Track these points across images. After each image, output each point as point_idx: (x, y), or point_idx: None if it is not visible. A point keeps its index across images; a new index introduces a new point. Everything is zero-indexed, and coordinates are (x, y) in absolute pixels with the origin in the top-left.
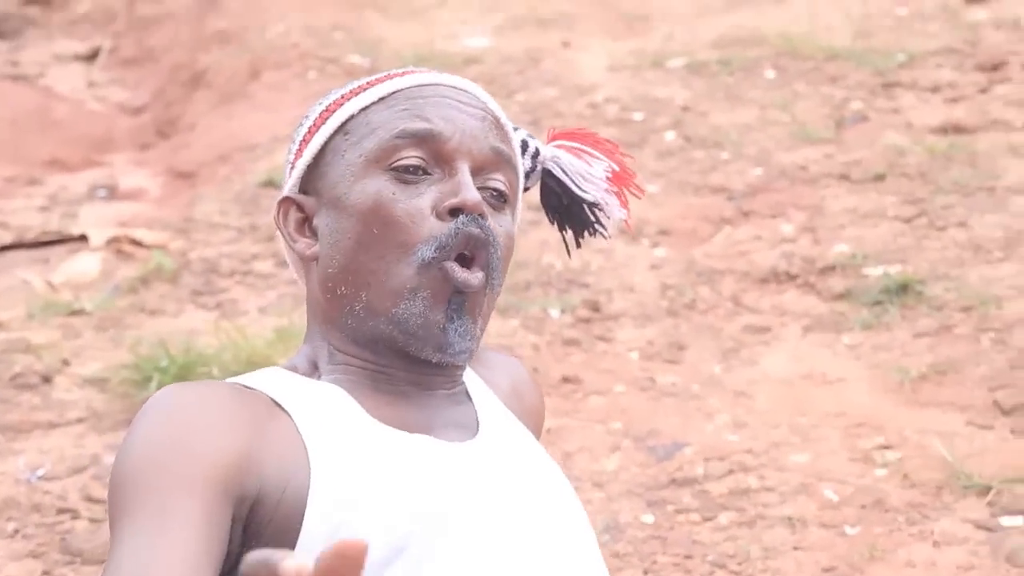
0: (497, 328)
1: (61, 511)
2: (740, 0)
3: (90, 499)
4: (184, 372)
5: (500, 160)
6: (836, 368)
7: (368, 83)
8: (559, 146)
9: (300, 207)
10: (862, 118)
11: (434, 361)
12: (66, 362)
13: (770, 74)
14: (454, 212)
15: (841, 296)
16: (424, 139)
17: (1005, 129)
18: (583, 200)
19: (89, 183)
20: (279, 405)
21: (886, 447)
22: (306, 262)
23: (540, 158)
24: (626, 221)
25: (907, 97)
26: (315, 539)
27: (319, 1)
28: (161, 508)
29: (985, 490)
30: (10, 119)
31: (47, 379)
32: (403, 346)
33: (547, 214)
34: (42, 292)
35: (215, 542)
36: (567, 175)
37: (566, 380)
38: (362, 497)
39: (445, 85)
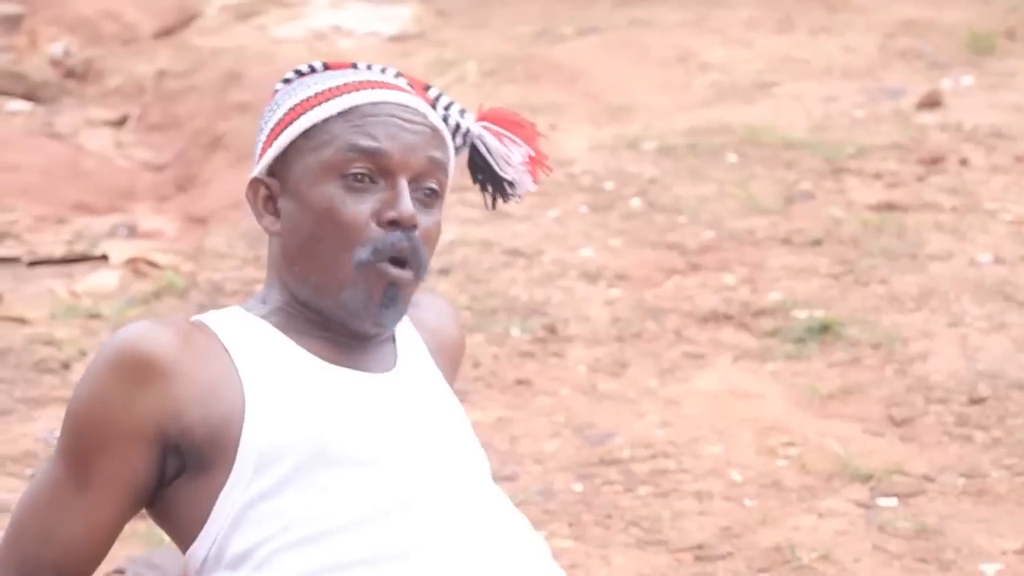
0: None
1: None
2: (715, 98)
3: None
4: None
5: (435, 167)
6: (757, 387)
7: (329, 92)
8: (485, 127)
9: (268, 187)
10: (809, 196)
11: (371, 333)
12: (83, 353)
13: (732, 158)
14: (392, 223)
15: (770, 334)
16: (372, 155)
17: (935, 210)
18: (502, 178)
19: (112, 223)
20: (223, 344)
21: (790, 444)
22: (270, 233)
23: (469, 136)
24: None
25: (852, 181)
26: (251, 450)
27: None
28: (87, 464)
29: (868, 478)
30: (43, 168)
31: (66, 366)
32: (345, 321)
33: (471, 176)
34: (65, 298)
35: (128, 493)
36: (491, 155)
37: (519, 382)
38: (289, 416)
39: (393, 103)
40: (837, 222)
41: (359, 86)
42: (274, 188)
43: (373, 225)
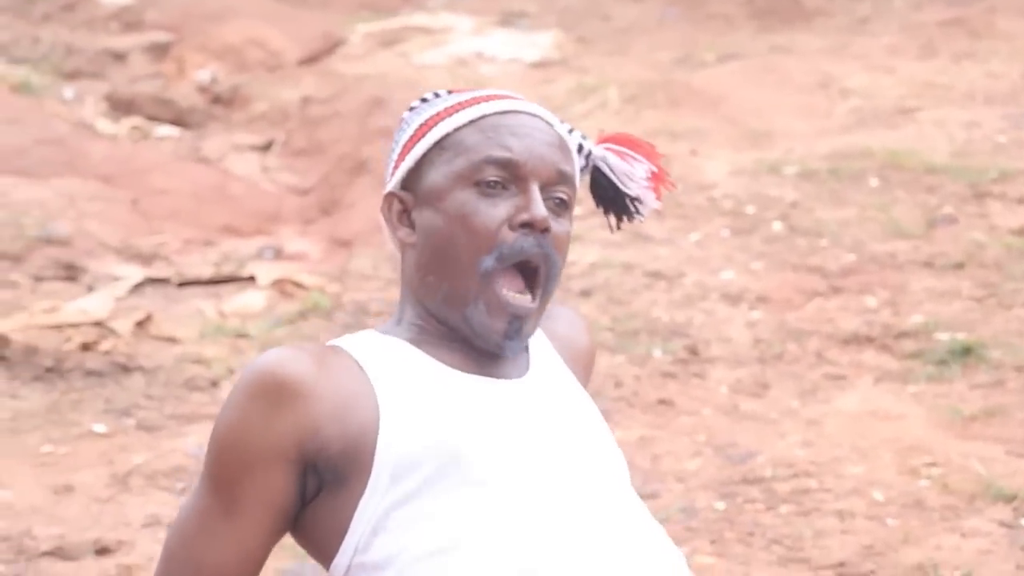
0: (605, 361)
1: None
2: (856, 123)
3: None
4: None
5: (563, 179)
6: (899, 408)
7: (459, 104)
8: (607, 148)
9: (401, 201)
10: (952, 220)
11: (494, 353)
12: (231, 371)
13: (874, 182)
14: (524, 225)
15: (912, 356)
16: (504, 163)
17: None
18: (626, 195)
19: (258, 246)
20: (357, 361)
21: (932, 464)
22: (404, 248)
23: (592, 157)
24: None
25: (995, 206)
26: (387, 458)
27: None
28: (233, 489)
29: (1012, 499)
30: (192, 192)
31: (215, 383)
32: (470, 337)
33: (595, 200)
34: (213, 318)
35: (273, 515)
36: (614, 174)
37: (661, 402)
38: (422, 423)
39: (523, 112)
40: (980, 246)
41: (487, 98)
42: (408, 201)
43: (505, 229)
